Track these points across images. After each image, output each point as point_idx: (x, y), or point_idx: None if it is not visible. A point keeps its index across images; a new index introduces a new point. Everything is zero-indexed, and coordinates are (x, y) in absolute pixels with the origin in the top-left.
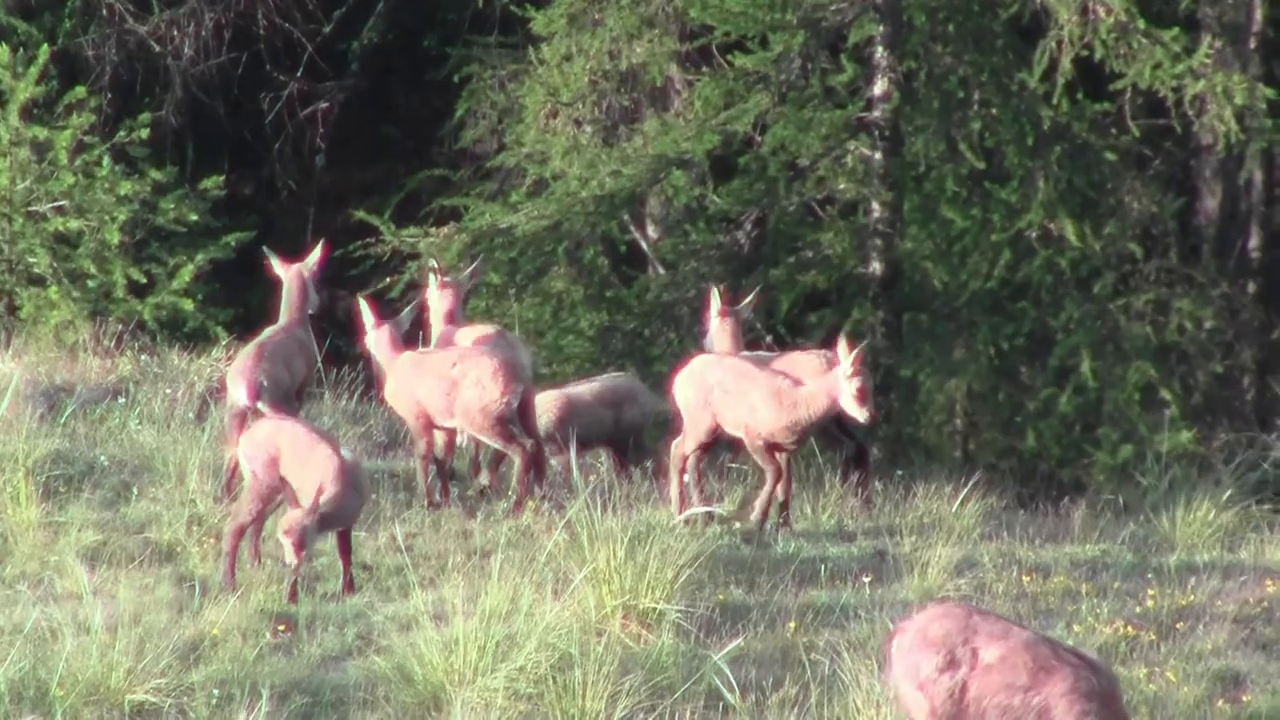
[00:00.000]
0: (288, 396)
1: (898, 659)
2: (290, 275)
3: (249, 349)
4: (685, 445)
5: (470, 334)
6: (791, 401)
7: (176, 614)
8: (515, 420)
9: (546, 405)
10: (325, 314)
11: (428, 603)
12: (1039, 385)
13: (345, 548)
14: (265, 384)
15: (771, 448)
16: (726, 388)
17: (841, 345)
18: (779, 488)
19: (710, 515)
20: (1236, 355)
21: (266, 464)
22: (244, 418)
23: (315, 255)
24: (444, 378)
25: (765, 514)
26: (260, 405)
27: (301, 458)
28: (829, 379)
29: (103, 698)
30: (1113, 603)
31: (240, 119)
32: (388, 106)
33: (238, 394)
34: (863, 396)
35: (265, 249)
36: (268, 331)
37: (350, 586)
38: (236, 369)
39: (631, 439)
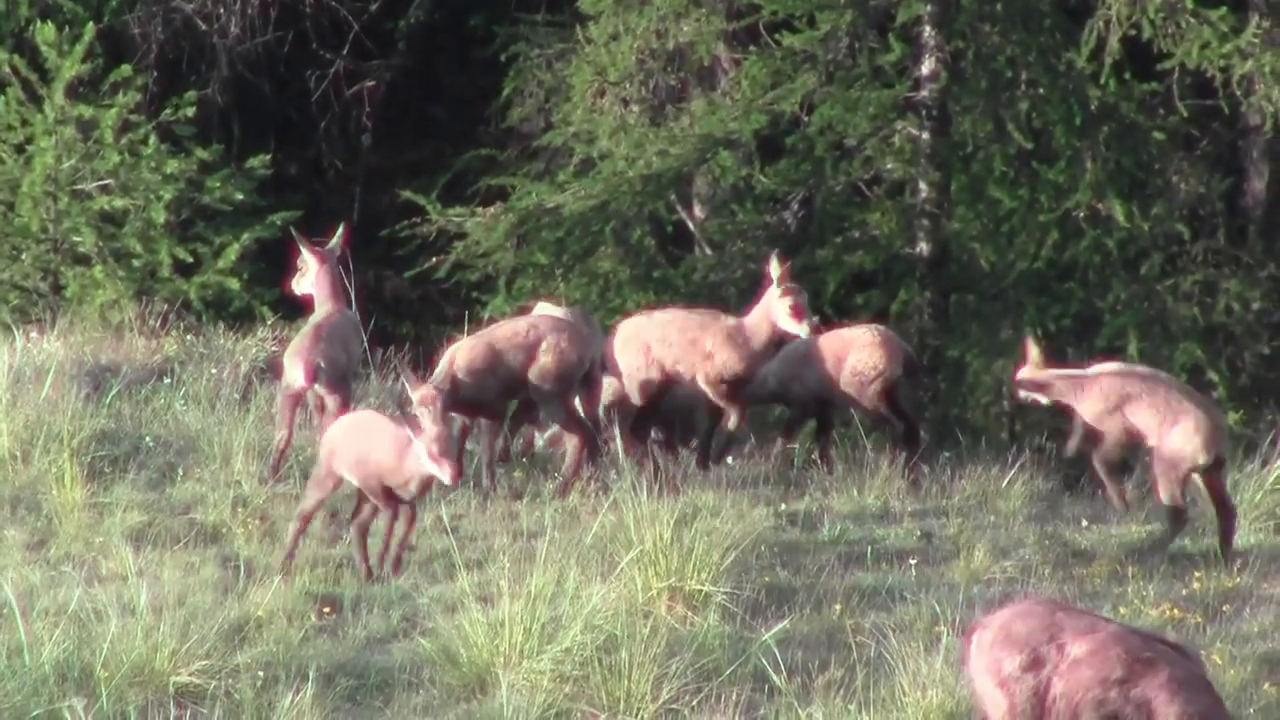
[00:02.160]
0: (344, 378)
1: (977, 655)
2: (315, 266)
3: (306, 330)
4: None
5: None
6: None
7: (221, 595)
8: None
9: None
10: (372, 294)
11: (473, 584)
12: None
13: (405, 528)
14: (323, 365)
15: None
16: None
17: (773, 260)
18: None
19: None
20: None
21: (335, 457)
22: (298, 400)
23: (338, 237)
24: (521, 347)
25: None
26: (316, 387)
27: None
28: (764, 303)
29: (147, 679)
30: (1159, 585)
31: (286, 98)
32: (434, 85)
33: (295, 375)
34: (798, 312)
35: (294, 231)
36: (322, 313)
37: (397, 567)
38: (294, 350)
39: (679, 419)
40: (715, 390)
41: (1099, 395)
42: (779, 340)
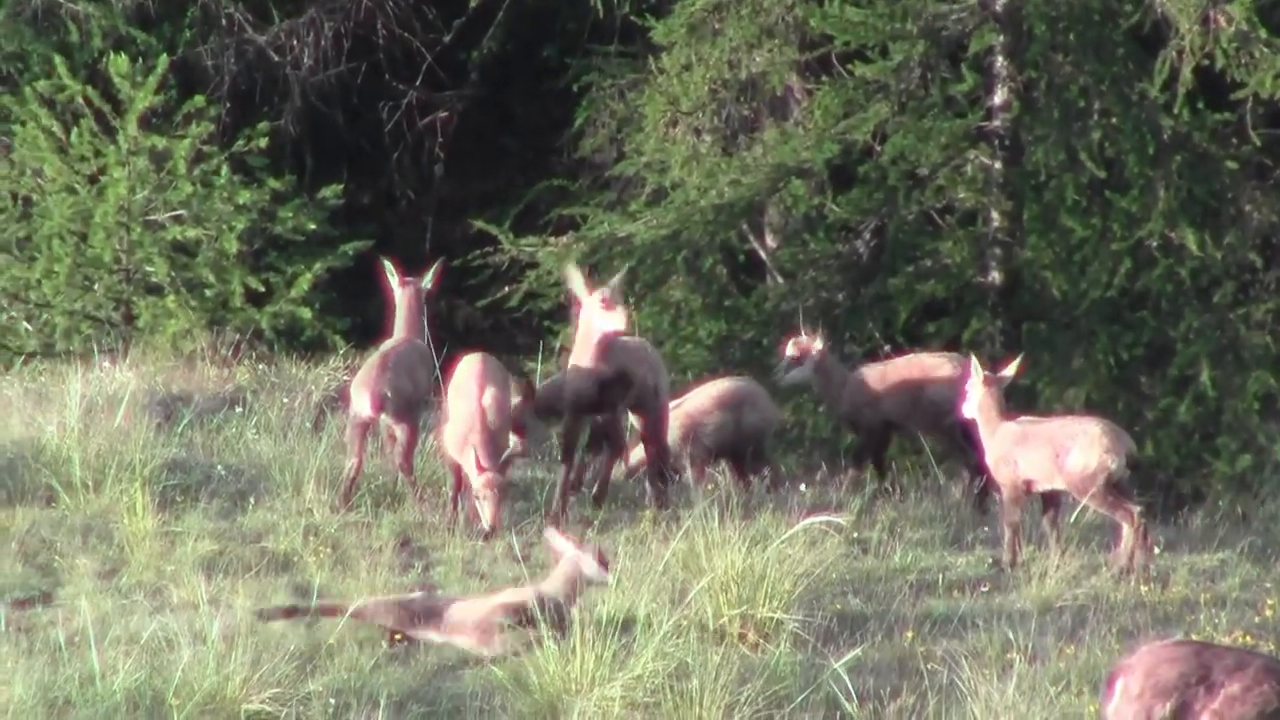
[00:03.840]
0: (411, 406)
1: (1123, 704)
2: (408, 293)
3: (373, 359)
4: None
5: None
6: None
7: (293, 624)
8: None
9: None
10: (444, 323)
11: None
12: (1158, 395)
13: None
14: (389, 395)
15: None
16: None
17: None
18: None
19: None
20: None
21: None
22: (367, 428)
23: (432, 274)
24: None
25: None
26: (384, 416)
27: None
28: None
29: (219, 707)
30: (1231, 612)
31: (359, 128)
32: (506, 116)
33: (361, 404)
34: (609, 305)
35: (385, 261)
36: (390, 342)
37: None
38: (361, 380)
39: (751, 447)
40: None
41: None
42: None
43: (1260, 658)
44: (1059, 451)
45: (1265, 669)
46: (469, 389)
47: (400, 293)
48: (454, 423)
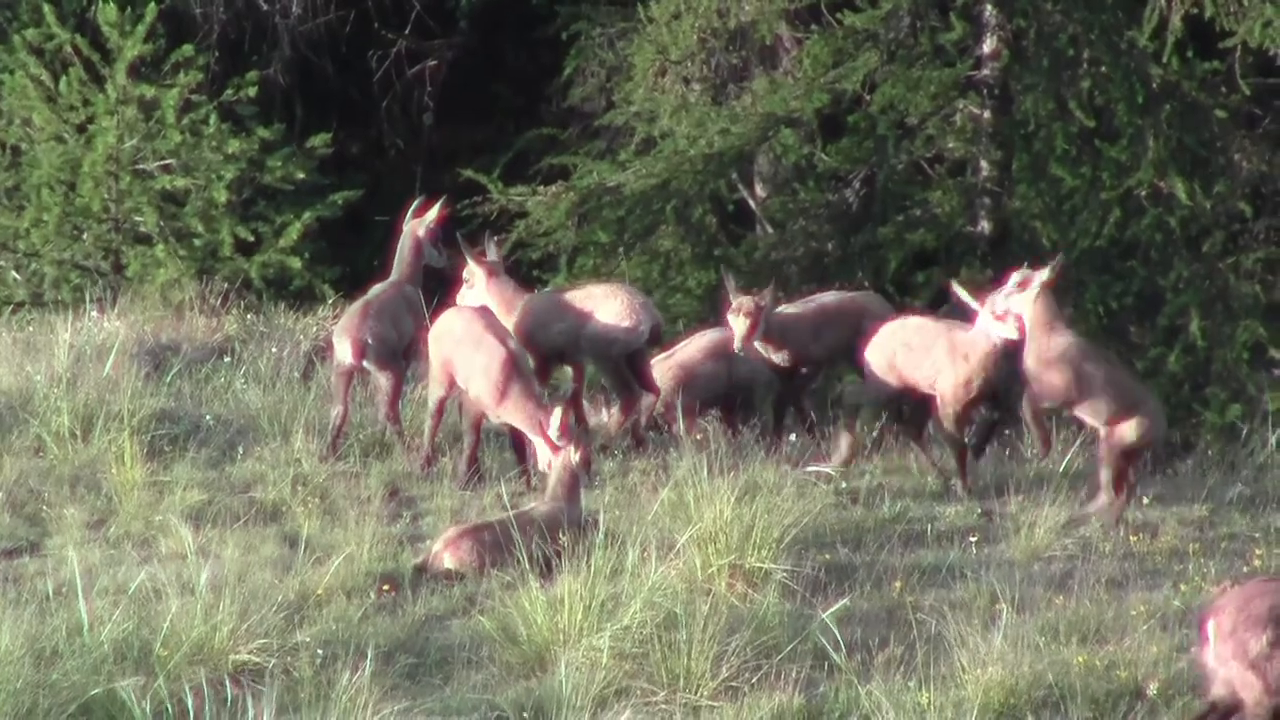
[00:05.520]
0: (395, 355)
1: (1219, 641)
2: (406, 233)
3: (355, 307)
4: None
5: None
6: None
7: (281, 574)
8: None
9: (660, 374)
10: (434, 272)
11: (532, 560)
12: (1148, 344)
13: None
14: (371, 342)
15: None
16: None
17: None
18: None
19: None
20: None
21: None
22: (350, 376)
23: (433, 214)
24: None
25: None
26: (365, 364)
27: None
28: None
29: (207, 658)
30: (1220, 563)
31: (348, 77)
32: (496, 64)
33: (343, 352)
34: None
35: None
36: (376, 289)
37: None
38: (342, 327)
39: (740, 397)
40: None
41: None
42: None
43: None
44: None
45: None
46: (483, 339)
47: (405, 232)
48: (480, 376)
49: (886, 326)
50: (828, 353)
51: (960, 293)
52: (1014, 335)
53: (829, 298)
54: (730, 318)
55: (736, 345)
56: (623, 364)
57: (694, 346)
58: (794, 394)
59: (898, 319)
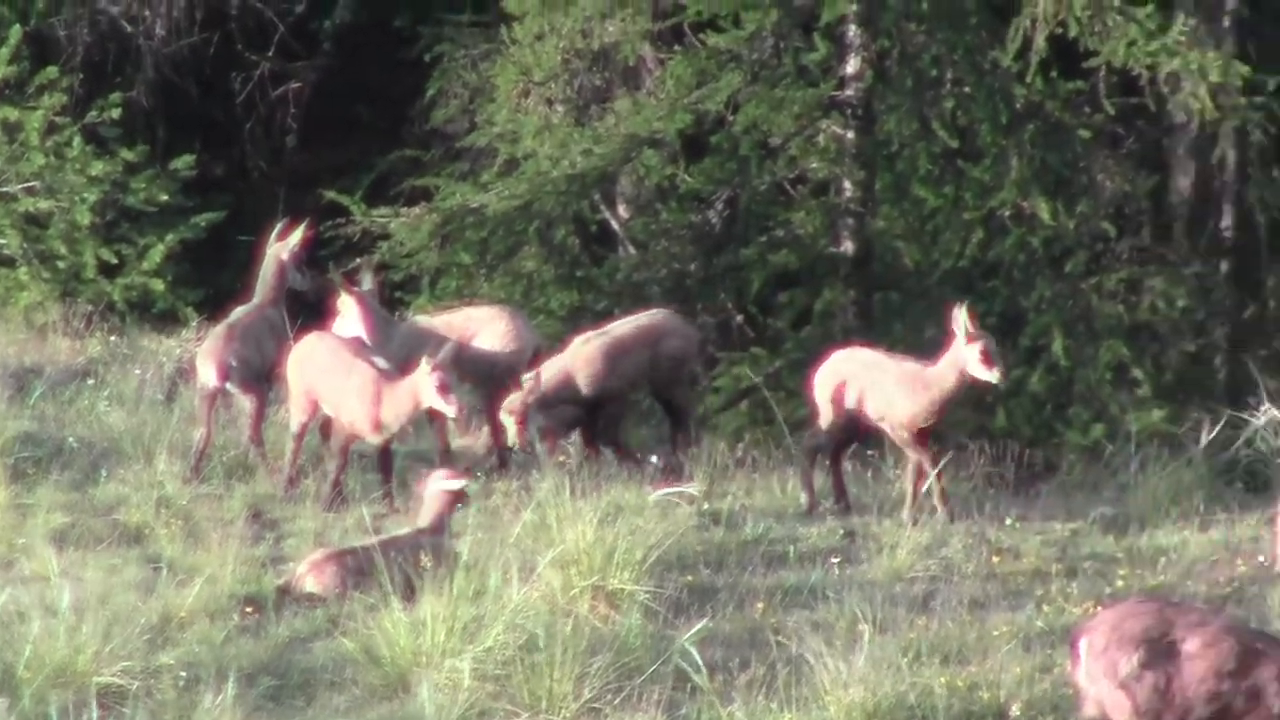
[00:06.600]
0: (258, 377)
1: (1090, 660)
2: (269, 256)
3: (219, 330)
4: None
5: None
6: (923, 383)
7: (144, 596)
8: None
9: (587, 358)
10: (296, 294)
11: (395, 584)
12: (1010, 365)
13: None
14: (234, 365)
15: (921, 433)
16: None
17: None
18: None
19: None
20: (1209, 334)
21: None
22: (214, 399)
23: (296, 237)
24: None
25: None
26: (229, 386)
27: None
28: (953, 352)
29: (70, 680)
30: (1083, 583)
31: (212, 99)
32: (359, 86)
33: (207, 375)
34: (988, 359)
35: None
36: (238, 312)
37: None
38: (206, 350)
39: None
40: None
41: None
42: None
43: (1220, 618)
44: None
45: (1225, 629)
46: (351, 363)
47: (268, 255)
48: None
49: (831, 358)
50: (628, 383)
51: (962, 318)
52: (997, 381)
53: (624, 328)
54: (502, 418)
55: (512, 443)
56: (504, 387)
57: (625, 326)
58: (608, 429)
59: (843, 350)
